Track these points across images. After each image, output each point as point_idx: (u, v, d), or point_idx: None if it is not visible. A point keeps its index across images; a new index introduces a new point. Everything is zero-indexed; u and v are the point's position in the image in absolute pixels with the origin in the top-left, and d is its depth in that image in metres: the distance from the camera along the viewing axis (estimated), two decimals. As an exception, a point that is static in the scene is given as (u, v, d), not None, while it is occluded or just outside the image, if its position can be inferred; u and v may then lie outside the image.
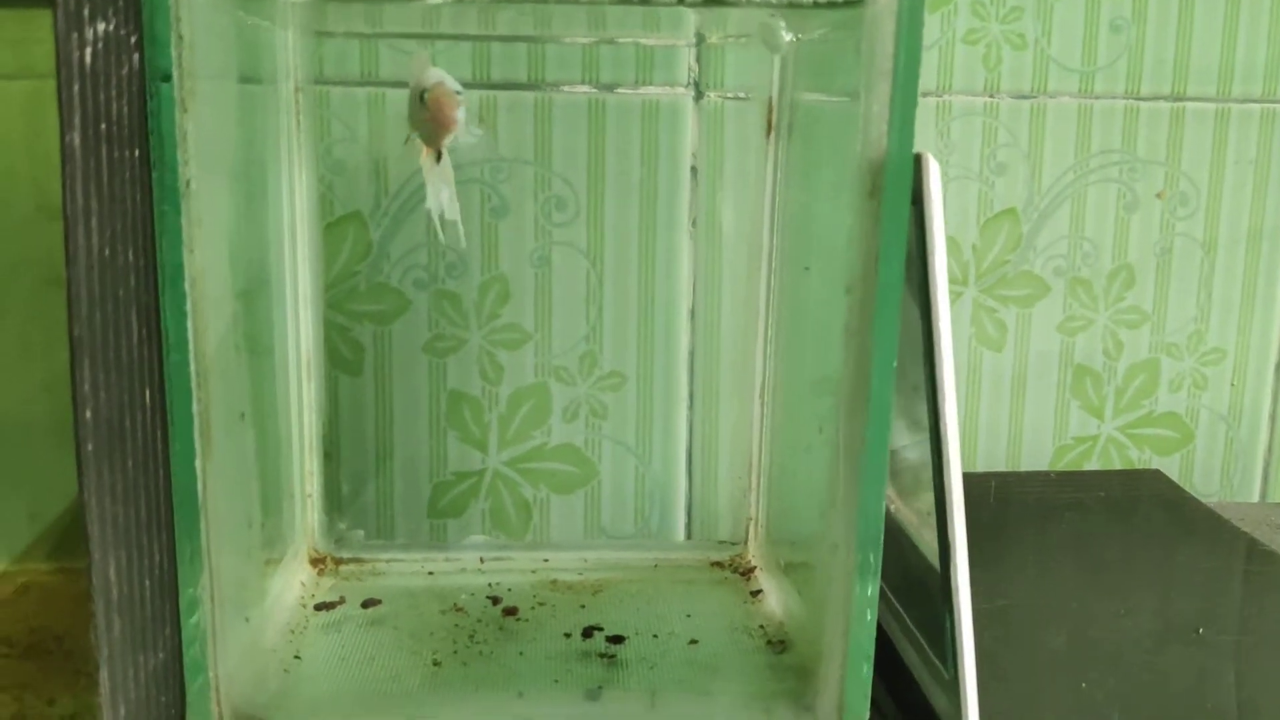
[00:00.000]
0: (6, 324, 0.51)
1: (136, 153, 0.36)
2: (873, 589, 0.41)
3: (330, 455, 0.64)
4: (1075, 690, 0.47)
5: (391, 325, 0.63)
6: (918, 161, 0.39)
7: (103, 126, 0.34)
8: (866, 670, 0.42)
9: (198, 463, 0.39)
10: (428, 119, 0.43)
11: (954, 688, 0.43)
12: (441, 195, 0.44)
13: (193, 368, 0.38)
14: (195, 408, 0.38)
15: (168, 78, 0.37)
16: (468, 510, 0.66)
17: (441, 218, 0.45)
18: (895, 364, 0.40)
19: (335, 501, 0.62)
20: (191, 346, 0.38)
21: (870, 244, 0.39)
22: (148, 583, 0.38)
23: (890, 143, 0.38)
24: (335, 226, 0.62)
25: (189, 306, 0.38)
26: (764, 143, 0.54)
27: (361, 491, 0.64)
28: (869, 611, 0.42)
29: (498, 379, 0.65)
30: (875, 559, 0.41)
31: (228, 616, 0.41)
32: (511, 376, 0.65)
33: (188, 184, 0.37)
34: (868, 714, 0.42)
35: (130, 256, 0.36)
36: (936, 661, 0.45)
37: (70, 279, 0.33)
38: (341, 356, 0.63)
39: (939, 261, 0.40)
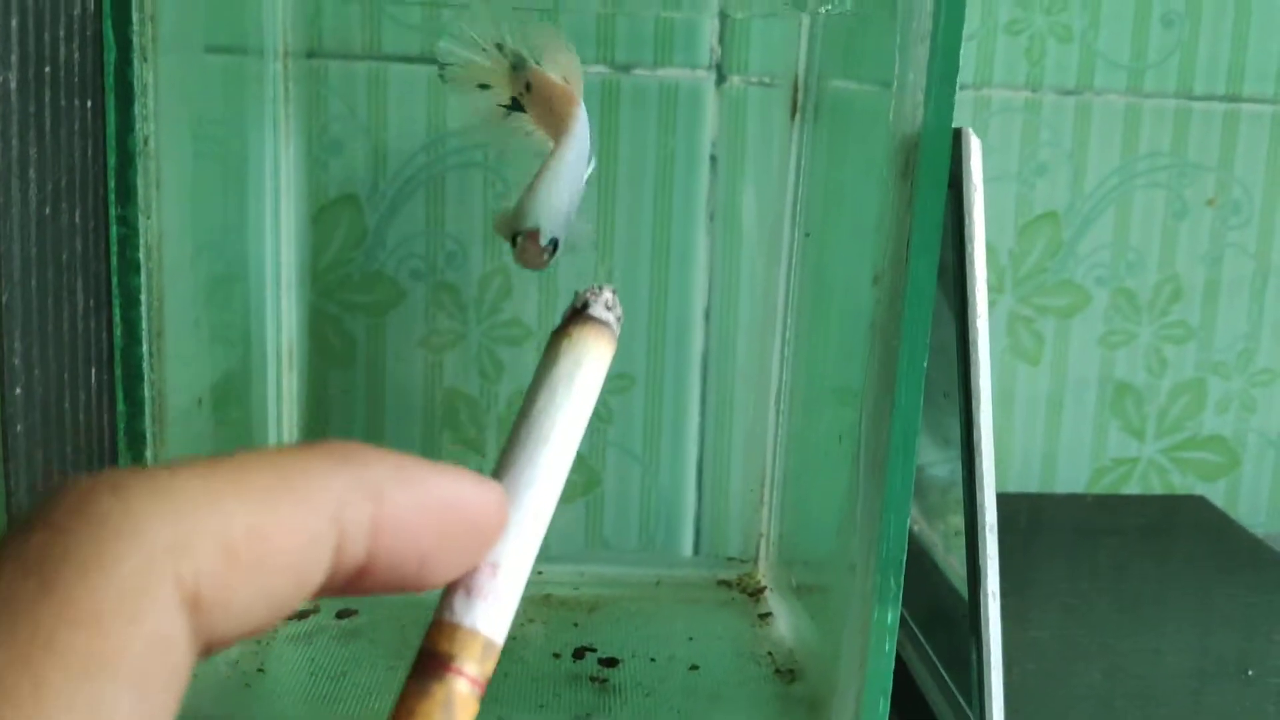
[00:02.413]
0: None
1: (89, 103, 0.33)
2: (893, 616, 0.37)
3: (317, 452, 0.60)
4: (1115, 735, 0.43)
5: (385, 317, 0.60)
6: (957, 138, 0.35)
7: (46, 69, 0.31)
8: (884, 707, 0.38)
9: (149, 451, 0.35)
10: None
11: (981, 729, 0.39)
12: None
13: (145, 346, 0.34)
14: (148, 390, 0.35)
15: (127, 21, 0.33)
16: (462, 516, 0.62)
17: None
18: (925, 364, 0.36)
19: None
20: (145, 322, 0.34)
21: (902, 229, 0.35)
22: (86, 583, 0.34)
23: (927, 116, 0.34)
24: (329, 210, 0.58)
25: (143, 278, 0.34)
26: (789, 127, 0.50)
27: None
28: (888, 641, 0.37)
29: (497, 377, 0.61)
30: (896, 583, 0.37)
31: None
32: (512, 375, 0.61)
33: (145, 141, 0.34)
34: (884, 755, 0.38)
35: (76, 217, 0.32)
36: (960, 699, 0.41)
37: (1, 237, 0.29)
38: (332, 348, 0.59)
39: (978, 252, 0.36)
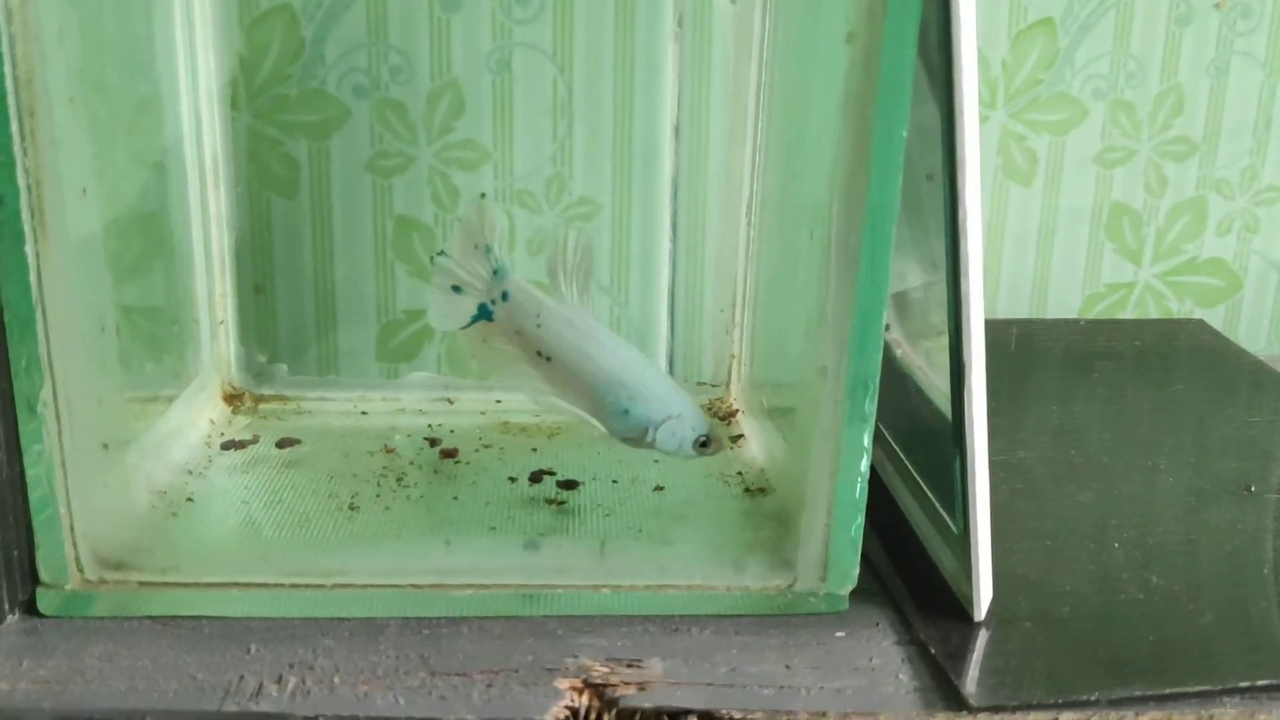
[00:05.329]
0: None
1: None
2: (868, 422, 0.34)
3: (261, 288, 0.56)
4: (1107, 550, 0.40)
5: (329, 139, 0.55)
6: None
7: None
8: (857, 520, 0.35)
9: (29, 248, 0.31)
10: None
11: (963, 544, 0.36)
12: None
13: (15, 126, 0.30)
14: (21, 178, 0.31)
15: None
16: (421, 353, 0.58)
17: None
18: (905, 133, 0.32)
19: (264, 336, 0.55)
20: (12, 99, 0.30)
21: (877, -21, 0.31)
22: (-32, 394, 0.31)
23: None
24: (261, 22, 0.53)
25: (3, 47, 0.30)
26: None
27: (300, 330, 0.57)
28: (863, 450, 0.34)
29: (452, 204, 0.57)
30: (871, 385, 0.34)
31: (81, 441, 0.33)
32: (468, 201, 0.57)
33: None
34: (857, 570, 0.35)
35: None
36: (944, 514, 0.38)
37: None
38: (273, 174, 0.55)
39: (964, 10, 0.32)
